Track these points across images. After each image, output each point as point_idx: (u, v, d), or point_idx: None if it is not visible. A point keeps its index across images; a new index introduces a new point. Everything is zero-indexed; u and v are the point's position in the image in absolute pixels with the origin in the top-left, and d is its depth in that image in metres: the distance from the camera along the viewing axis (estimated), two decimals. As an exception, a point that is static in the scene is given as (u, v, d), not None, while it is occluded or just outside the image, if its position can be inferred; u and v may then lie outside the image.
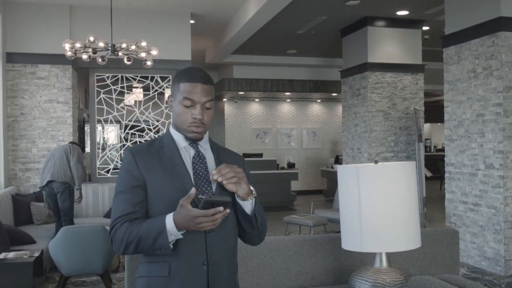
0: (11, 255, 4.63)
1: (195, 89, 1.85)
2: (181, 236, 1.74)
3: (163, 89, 8.36)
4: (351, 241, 2.39)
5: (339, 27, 9.20)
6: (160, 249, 1.74)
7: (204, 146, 1.96)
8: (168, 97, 2.00)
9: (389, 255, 2.43)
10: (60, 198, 6.14)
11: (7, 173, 7.33)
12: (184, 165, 1.88)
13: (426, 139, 16.65)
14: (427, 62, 9.77)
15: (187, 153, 1.92)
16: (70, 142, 6.50)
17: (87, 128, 10.82)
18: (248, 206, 1.84)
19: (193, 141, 1.92)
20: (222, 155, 1.98)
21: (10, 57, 7.39)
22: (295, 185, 13.16)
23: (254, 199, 1.84)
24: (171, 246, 1.74)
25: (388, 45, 8.74)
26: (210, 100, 1.88)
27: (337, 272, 2.99)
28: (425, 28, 9.11)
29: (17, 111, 7.45)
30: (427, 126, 17.30)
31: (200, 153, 1.92)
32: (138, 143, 8.27)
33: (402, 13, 8.30)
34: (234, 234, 1.92)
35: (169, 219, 1.71)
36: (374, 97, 8.62)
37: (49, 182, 6.10)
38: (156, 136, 8.38)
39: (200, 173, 1.88)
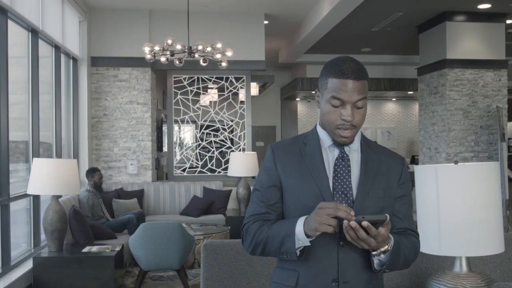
0: (94, 249, 4.90)
1: (345, 87, 1.60)
2: (309, 244, 1.57)
3: (238, 90, 8.50)
4: (429, 244, 2.32)
5: (415, 23, 8.94)
6: (285, 253, 1.60)
7: (353, 146, 1.72)
8: (316, 91, 1.75)
9: (469, 260, 2.35)
10: None
11: (91, 171, 7.72)
12: (324, 168, 1.69)
13: (509, 139, 15.80)
14: (511, 57, 9.28)
15: (330, 154, 1.72)
16: None
17: (164, 128, 11.19)
18: (374, 261, 1.63)
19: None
20: (372, 157, 1.73)
21: (95, 61, 7.79)
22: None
23: (388, 254, 1.59)
24: (298, 252, 1.59)
25: (468, 40, 8.38)
26: (362, 99, 1.64)
27: (414, 275, 2.92)
28: (508, 21, 8.65)
29: (101, 112, 7.84)
30: (510, 125, 16.41)
31: (345, 154, 1.71)
32: (213, 143, 8.46)
33: (484, 6, 7.93)
34: None
35: (300, 222, 1.57)
36: (453, 94, 8.31)
37: None
38: (231, 135, 8.53)
39: (341, 178, 1.68)
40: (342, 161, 1.69)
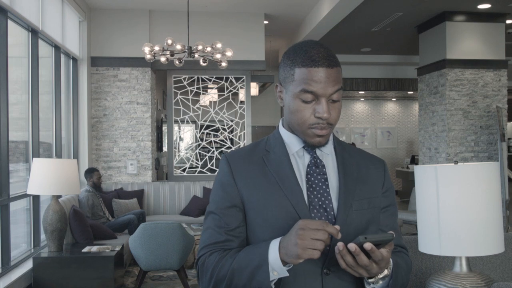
0: (94, 249, 4.90)
1: (317, 77, 1.29)
2: (287, 274, 1.25)
3: (237, 90, 8.50)
4: (428, 244, 2.32)
5: (415, 23, 8.94)
6: None
7: (325, 149, 1.42)
8: (276, 86, 1.41)
9: (469, 260, 2.35)
10: None
11: (91, 171, 7.72)
12: (295, 178, 1.37)
13: (509, 139, 15.80)
14: (511, 57, 9.27)
15: (300, 160, 1.41)
16: None
17: (164, 128, 11.20)
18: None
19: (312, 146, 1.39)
20: (349, 161, 1.43)
21: (94, 61, 7.79)
22: (369, 186, 12.94)
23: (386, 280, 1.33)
24: (273, 287, 1.26)
25: (468, 41, 8.38)
26: (338, 90, 1.32)
27: (413, 275, 2.92)
28: (508, 21, 8.65)
29: (100, 112, 7.84)
30: (510, 125, 16.42)
31: (318, 160, 1.40)
32: (213, 143, 8.46)
33: (484, 6, 7.93)
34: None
35: (274, 247, 1.24)
36: (453, 95, 8.31)
37: None
38: (231, 135, 8.52)
39: (317, 189, 1.37)
40: (316, 168, 1.38)
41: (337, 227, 1.20)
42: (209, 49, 6.22)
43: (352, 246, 1.19)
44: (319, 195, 1.36)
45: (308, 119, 1.32)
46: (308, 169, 1.38)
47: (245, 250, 1.31)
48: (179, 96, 8.29)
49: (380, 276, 1.30)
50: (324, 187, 1.37)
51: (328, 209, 1.35)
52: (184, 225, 5.77)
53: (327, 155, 1.42)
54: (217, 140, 8.52)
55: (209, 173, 8.36)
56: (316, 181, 1.37)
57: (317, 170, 1.38)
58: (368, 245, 1.18)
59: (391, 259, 1.32)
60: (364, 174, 1.43)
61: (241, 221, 1.38)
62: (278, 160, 1.39)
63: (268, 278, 1.23)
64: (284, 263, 1.23)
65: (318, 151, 1.41)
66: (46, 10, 5.85)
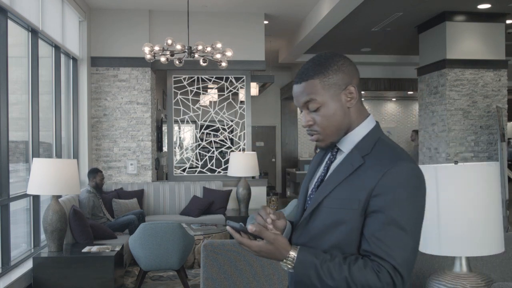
0: (94, 249, 4.90)
1: (292, 92, 1.52)
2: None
3: (237, 90, 8.50)
4: (428, 244, 2.32)
5: (415, 23, 8.94)
6: None
7: (343, 147, 1.53)
8: None
9: (469, 260, 2.35)
10: None
11: (91, 171, 7.72)
12: (314, 170, 1.63)
13: (509, 139, 15.80)
14: (511, 57, 9.27)
15: (326, 156, 1.61)
16: None
17: (164, 128, 11.20)
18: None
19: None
20: (352, 161, 1.47)
21: (94, 61, 7.79)
22: (369, 186, 12.93)
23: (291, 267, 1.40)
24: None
25: (468, 41, 8.38)
26: (309, 101, 1.47)
27: (414, 275, 2.92)
28: (508, 21, 8.66)
29: (100, 112, 7.84)
30: (510, 125, 16.42)
31: (331, 156, 1.57)
32: (213, 143, 8.46)
33: (484, 6, 7.93)
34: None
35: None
36: (453, 95, 8.31)
37: None
38: (231, 135, 8.53)
39: (313, 183, 1.58)
40: (329, 163, 1.55)
41: (269, 214, 1.44)
42: (209, 49, 6.22)
43: (228, 228, 1.40)
44: (314, 188, 1.54)
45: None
46: (325, 164, 1.57)
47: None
48: (179, 96, 8.28)
49: (281, 263, 1.41)
50: (319, 181, 1.53)
51: (309, 202, 1.53)
52: (184, 225, 5.77)
53: (342, 153, 1.53)
54: (217, 140, 8.51)
55: (209, 173, 8.36)
56: (321, 175, 1.54)
57: (326, 166, 1.55)
58: (228, 228, 1.40)
59: (305, 256, 1.37)
60: (356, 175, 1.43)
61: None
62: (319, 154, 1.65)
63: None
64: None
65: (336, 149, 1.55)
66: (46, 10, 5.85)
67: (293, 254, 1.38)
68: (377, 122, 1.55)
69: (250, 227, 1.36)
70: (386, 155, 1.43)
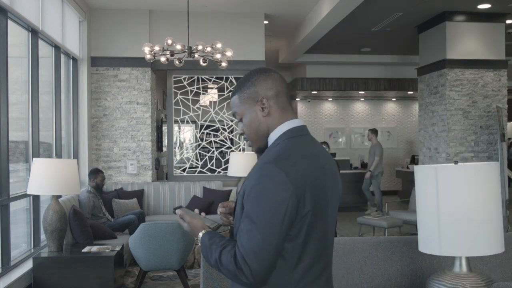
0: (94, 249, 4.89)
1: None
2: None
3: (237, 90, 8.48)
4: (428, 244, 2.33)
5: (415, 23, 8.94)
6: None
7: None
8: None
9: (469, 260, 2.35)
10: None
11: (91, 171, 7.72)
12: None
13: (509, 139, 15.80)
14: (511, 57, 9.28)
15: None
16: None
17: (164, 128, 11.20)
18: None
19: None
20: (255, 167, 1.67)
21: (94, 61, 7.79)
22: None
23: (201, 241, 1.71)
24: None
25: (468, 41, 8.39)
26: (234, 113, 1.77)
27: (413, 275, 2.92)
28: (508, 21, 8.66)
29: (100, 112, 7.84)
30: (510, 125, 16.42)
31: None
32: (213, 143, 8.46)
33: (484, 6, 7.93)
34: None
35: None
36: (453, 95, 8.31)
37: None
38: (231, 135, 8.53)
39: None
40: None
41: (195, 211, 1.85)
42: (209, 49, 6.22)
43: (177, 211, 1.80)
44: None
45: None
46: None
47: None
48: (179, 96, 8.29)
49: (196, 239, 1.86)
50: None
51: None
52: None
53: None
54: (217, 140, 8.52)
55: (209, 173, 8.36)
56: None
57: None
58: (177, 211, 1.80)
59: (204, 238, 1.68)
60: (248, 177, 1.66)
61: None
62: None
63: None
64: None
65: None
66: (46, 10, 5.85)
67: (200, 235, 1.70)
68: (295, 127, 1.69)
69: (177, 211, 1.78)
70: (261, 159, 1.64)
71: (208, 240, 1.65)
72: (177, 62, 6.28)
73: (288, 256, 1.56)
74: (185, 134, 10.38)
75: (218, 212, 1.89)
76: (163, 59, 6.27)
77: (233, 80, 8.35)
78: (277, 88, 1.70)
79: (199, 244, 1.71)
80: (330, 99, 14.07)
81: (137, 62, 7.79)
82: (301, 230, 1.56)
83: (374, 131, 10.36)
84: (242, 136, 1.84)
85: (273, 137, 1.70)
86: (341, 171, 11.21)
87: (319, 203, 1.61)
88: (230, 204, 1.89)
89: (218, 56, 6.31)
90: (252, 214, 1.53)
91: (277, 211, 1.52)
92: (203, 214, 1.84)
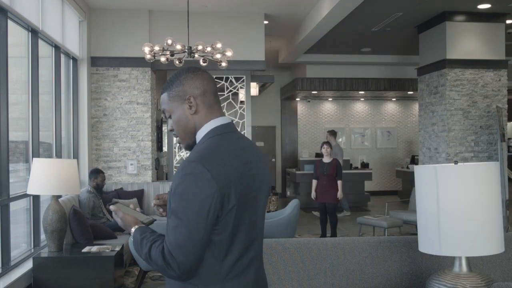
0: (94, 249, 4.89)
1: None
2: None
3: (237, 90, 8.49)
4: (428, 244, 2.33)
5: (415, 23, 8.94)
6: None
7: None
8: None
9: (469, 260, 2.35)
10: None
11: (91, 171, 7.72)
12: None
13: (509, 139, 15.80)
14: (511, 57, 9.28)
15: None
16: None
17: (164, 128, 11.19)
18: None
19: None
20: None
21: (94, 61, 7.79)
22: (368, 186, 12.94)
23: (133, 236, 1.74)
24: None
25: (468, 41, 8.39)
26: (163, 110, 1.81)
27: (413, 275, 2.92)
28: (508, 21, 8.66)
29: (100, 112, 7.84)
30: (510, 125, 16.42)
31: None
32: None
33: (484, 6, 7.93)
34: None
35: None
36: (453, 95, 8.31)
37: None
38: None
39: None
40: None
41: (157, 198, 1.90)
42: (209, 49, 6.22)
43: (111, 207, 1.80)
44: None
45: None
46: None
47: None
48: (179, 96, 8.27)
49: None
50: None
51: None
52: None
53: None
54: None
55: (209, 173, 8.34)
56: None
57: None
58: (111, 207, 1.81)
59: (136, 233, 1.71)
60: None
61: None
62: None
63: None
64: None
65: None
66: (46, 10, 5.85)
67: (132, 230, 1.73)
68: (221, 124, 1.74)
69: (111, 207, 1.79)
70: (187, 157, 1.67)
71: (139, 235, 1.69)
72: (177, 62, 6.28)
73: (216, 249, 1.61)
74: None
75: (152, 204, 1.92)
76: (163, 59, 6.27)
77: (233, 80, 8.35)
78: (204, 87, 1.76)
79: (132, 239, 1.73)
80: (330, 99, 14.07)
81: (137, 62, 7.79)
82: (228, 224, 1.60)
83: (332, 133, 10.35)
84: (172, 133, 1.83)
85: (200, 134, 1.75)
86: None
87: (245, 197, 1.64)
88: (165, 197, 1.90)
89: (218, 56, 6.31)
90: (178, 211, 1.59)
91: (202, 207, 1.56)
92: (138, 209, 1.86)
